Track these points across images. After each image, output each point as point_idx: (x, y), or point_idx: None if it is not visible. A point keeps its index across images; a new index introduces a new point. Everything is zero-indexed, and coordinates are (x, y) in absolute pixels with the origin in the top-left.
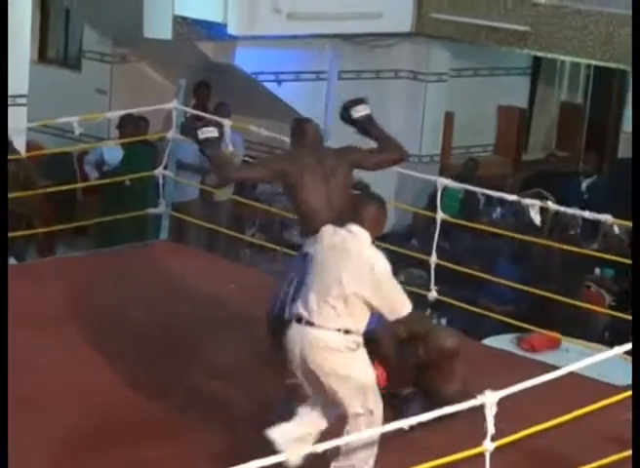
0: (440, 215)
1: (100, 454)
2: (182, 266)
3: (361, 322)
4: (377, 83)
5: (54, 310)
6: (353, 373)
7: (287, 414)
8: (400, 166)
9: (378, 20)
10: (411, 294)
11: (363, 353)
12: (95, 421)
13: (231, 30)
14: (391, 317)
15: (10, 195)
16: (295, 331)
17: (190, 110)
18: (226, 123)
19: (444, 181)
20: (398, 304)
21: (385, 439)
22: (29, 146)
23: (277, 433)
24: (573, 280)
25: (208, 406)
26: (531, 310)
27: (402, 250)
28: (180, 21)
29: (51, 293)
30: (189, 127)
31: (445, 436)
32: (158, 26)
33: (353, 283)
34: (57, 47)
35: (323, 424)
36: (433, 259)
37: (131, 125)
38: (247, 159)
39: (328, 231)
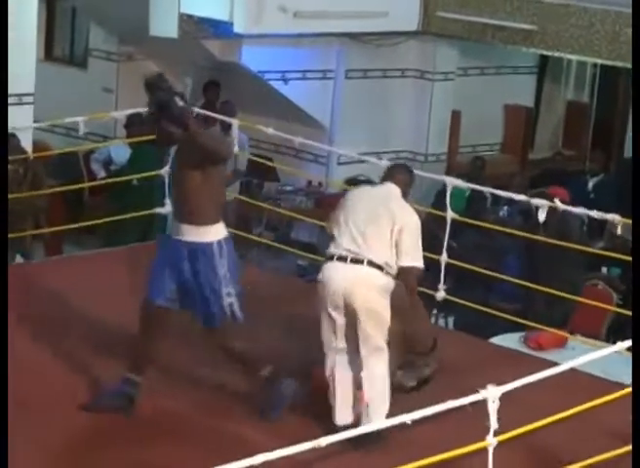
0: (450, 214)
1: (103, 454)
2: None
3: (394, 265)
4: (383, 82)
5: (59, 309)
6: (387, 316)
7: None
8: (408, 164)
9: (384, 19)
10: (418, 294)
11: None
12: (99, 421)
13: (237, 29)
14: (409, 262)
15: (17, 195)
16: (340, 269)
17: (198, 110)
18: (235, 122)
19: (453, 181)
20: (418, 256)
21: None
22: (37, 146)
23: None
24: (573, 278)
25: (215, 404)
26: (537, 308)
27: None
28: (186, 20)
29: (57, 292)
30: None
31: (446, 431)
32: (164, 25)
33: (398, 220)
34: (63, 45)
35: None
36: (443, 258)
37: (138, 124)
38: (252, 158)
39: (365, 187)
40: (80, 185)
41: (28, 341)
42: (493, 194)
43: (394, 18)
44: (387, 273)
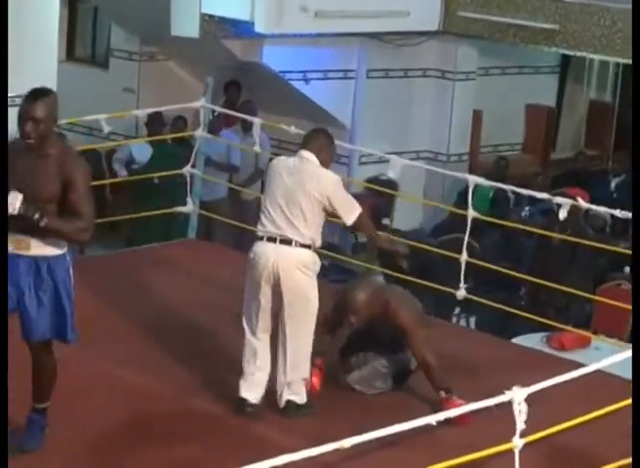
0: (471, 213)
1: (131, 453)
2: (210, 265)
3: (319, 236)
4: (404, 82)
5: (82, 309)
6: (312, 297)
7: None
8: (429, 164)
9: (405, 19)
10: (439, 292)
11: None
12: (130, 419)
13: (259, 28)
14: (349, 220)
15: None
16: (270, 248)
17: (218, 108)
18: (257, 121)
19: (476, 179)
20: (352, 208)
21: (411, 435)
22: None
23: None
24: (584, 279)
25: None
26: (554, 307)
27: (429, 247)
28: (208, 20)
29: (79, 292)
30: (215, 125)
31: (472, 432)
32: (185, 24)
33: (317, 193)
34: (84, 45)
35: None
36: (464, 258)
37: (159, 123)
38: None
39: (280, 159)
40: (103, 182)
41: None
42: (516, 194)
43: (415, 17)
44: (314, 250)
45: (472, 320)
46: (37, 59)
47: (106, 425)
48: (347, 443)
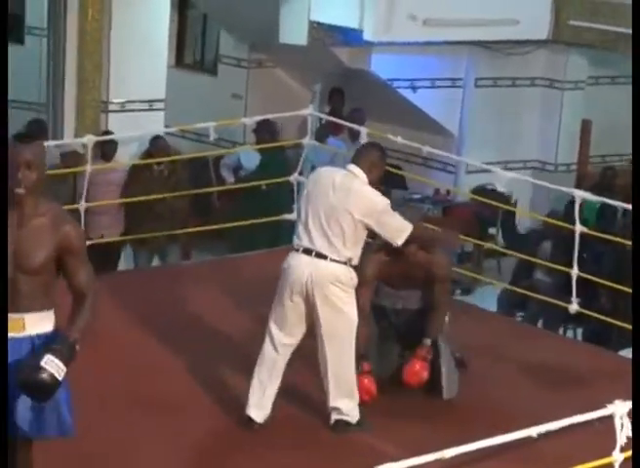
0: (578, 228)
1: (233, 457)
2: None
3: (359, 254)
4: (513, 91)
5: (186, 313)
6: (348, 310)
7: None
8: (535, 175)
9: (515, 27)
10: (547, 305)
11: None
12: (227, 424)
13: (367, 36)
14: (398, 241)
15: (158, 196)
16: (304, 261)
17: (325, 116)
18: (363, 130)
19: (581, 194)
20: (400, 229)
21: (511, 448)
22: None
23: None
24: None
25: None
26: None
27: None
28: (316, 27)
29: (185, 296)
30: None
31: (573, 445)
32: (294, 32)
33: (361, 214)
34: (193, 52)
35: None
36: (574, 271)
37: (266, 130)
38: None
39: (327, 171)
40: (210, 189)
41: (155, 343)
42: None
43: (525, 26)
44: (350, 267)
45: (579, 331)
46: (147, 65)
47: (209, 429)
48: (448, 453)
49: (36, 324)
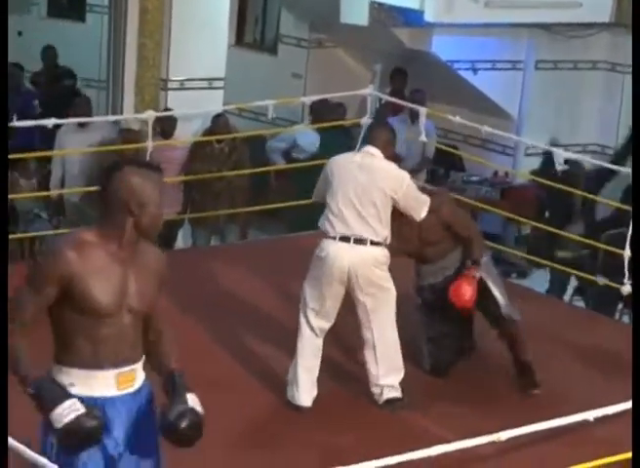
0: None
1: (286, 436)
2: None
3: (389, 232)
4: (574, 74)
5: (240, 293)
6: (391, 287)
7: None
8: (597, 157)
9: (577, 10)
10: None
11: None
12: (279, 404)
13: (428, 17)
14: (420, 215)
15: (220, 174)
16: (343, 249)
17: (385, 97)
18: (422, 110)
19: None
20: (423, 203)
21: (567, 432)
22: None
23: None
24: None
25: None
26: None
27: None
28: (377, 7)
29: (240, 276)
30: (382, 113)
31: (627, 430)
32: (355, 12)
33: (390, 190)
34: (254, 31)
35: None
36: (627, 253)
37: (326, 110)
38: (439, 147)
39: (343, 156)
40: (267, 168)
41: (209, 324)
42: None
43: (587, 8)
44: (385, 246)
45: (627, 316)
46: (207, 44)
47: (259, 409)
48: (504, 435)
49: (140, 372)
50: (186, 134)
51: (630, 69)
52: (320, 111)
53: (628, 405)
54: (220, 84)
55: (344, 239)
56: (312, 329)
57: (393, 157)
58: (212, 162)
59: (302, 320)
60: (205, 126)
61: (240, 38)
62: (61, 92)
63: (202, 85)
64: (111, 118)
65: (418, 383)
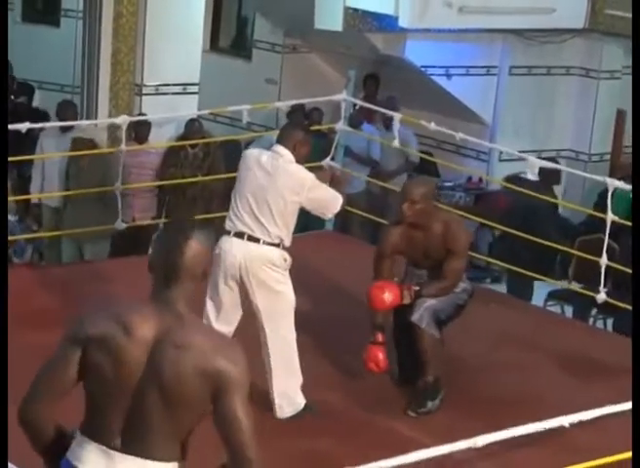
0: (610, 217)
1: (266, 443)
2: (344, 257)
3: (290, 235)
4: (547, 79)
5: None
6: (284, 291)
7: None
8: (569, 165)
9: (550, 16)
10: (578, 295)
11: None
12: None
13: (402, 23)
14: (328, 214)
15: (193, 179)
16: (236, 245)
17: (360, 102)
18: (396, 116)
19: (614, 182)
20: (331, 203)
21: (542, 437)
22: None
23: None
24: None
25: (368, 399)
26: None
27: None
28: (352, 13)
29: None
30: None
31: (604, 435)
32: (329, 17)
33: (290, 193)
34: (228, 36)
35: None
36: (603, 260)
37: (301, 114)
38: (413, 152)
39: (254, 153)
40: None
41: None
42: None
43: (561, 14)
44: (283, 247)
45: (610, 322)
46: (182, 49)
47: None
48: (480, 441)
49: None
50: (161, 139)
51: (604, 75)
52: (296, 116)
53: (604, 410)
54: (195, 89)
55: (238, 235)
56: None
57: (303, 158)
58: (185, 167)
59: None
60: (179, 131)
61: (215, 43)
62: (13, 109)
63: (176, 90)
64: (85, 122)
65: (394, 388)
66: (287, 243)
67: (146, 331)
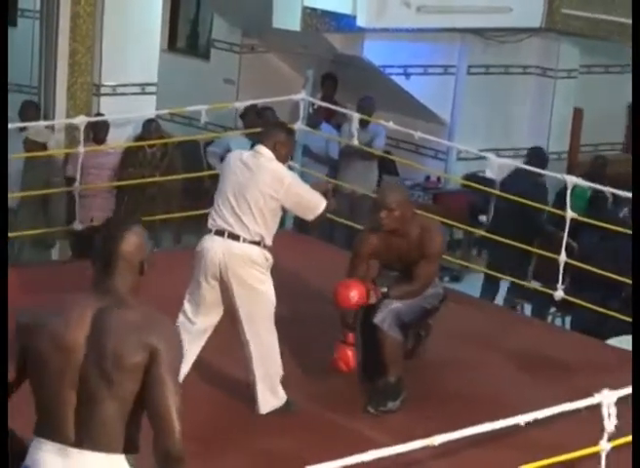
0: (570, 214)
1: (226, 442)
2: (301, 257)
3: (272, 234)
4: (505, 78)
5: (174, 300)
6: (264, 289)
7: None
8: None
9: (508, 15)
10: (537, 293)
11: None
12: (222, 413)
13: (360, 22)
14: (310, 216)
15: (150, 179)
16: (217, 243)
17: (318, 102)
18: (355, 116)
19: (573, 180)
20: (312, 204)
21: (499, 436)
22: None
23: None
24: None
25: (329, 399)
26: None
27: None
28: (310, 13)
29: (173, 281)
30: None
31: (560, 433)
32: (287, 17)
33: (268, 188)
34: (186, 36)
35: None
36: (562, 258)
37: (254, 114)
38: (372, 151)
39: (236, 153)
40: (201, 173)
41: None
42: (614, 194)
43: (518, 14)
44: (264, 246)
45: (568, 319)
46: (139, 49)
47: (205, 416)
48: (437, 440)
49: None
50: (119, 139)
51: (561, 74)
52: (248, 116)
53: (562, 408)
54: (153, 89)
55: (219, 233)
56: (185, 326)
57: (285, 157)
58: (144, 167)
59: (181, 315)
60: (137, 131)
61: (172, 43)
62: None
63: (134, 90)
64: (43, 123)
65: (354, 387)
66: (268, 241)
67: (85, 316)
